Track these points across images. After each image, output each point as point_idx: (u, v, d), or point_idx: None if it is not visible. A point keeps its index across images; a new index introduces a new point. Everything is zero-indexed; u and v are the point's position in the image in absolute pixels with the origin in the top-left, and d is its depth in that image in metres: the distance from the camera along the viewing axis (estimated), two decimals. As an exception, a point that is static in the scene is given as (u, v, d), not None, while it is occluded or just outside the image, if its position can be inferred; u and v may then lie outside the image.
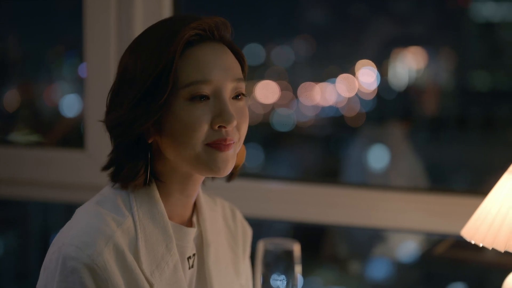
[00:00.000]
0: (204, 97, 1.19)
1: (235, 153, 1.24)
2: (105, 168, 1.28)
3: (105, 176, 1.33)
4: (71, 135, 2.87)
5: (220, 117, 1.19)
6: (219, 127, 1.20)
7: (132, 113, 1.18)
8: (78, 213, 1.24)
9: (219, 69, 1.21)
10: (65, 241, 1.16)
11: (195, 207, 1.36)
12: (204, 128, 1.19)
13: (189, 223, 1.34)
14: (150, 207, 1.24)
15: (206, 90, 1.19)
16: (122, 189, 1.24)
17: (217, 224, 1.41)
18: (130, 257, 1.18)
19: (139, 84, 1.18)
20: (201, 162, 1.21)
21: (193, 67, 1.19)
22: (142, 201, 1.24)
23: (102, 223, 1.18)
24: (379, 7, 2.99)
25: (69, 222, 1.23)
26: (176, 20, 1.23)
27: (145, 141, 1.22)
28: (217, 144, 1.20)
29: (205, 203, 1.39)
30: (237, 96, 1.23)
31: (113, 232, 1.18)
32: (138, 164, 1.22)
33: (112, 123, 1.22)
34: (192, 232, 1.31)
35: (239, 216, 1.49)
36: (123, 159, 1.23)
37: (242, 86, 1.24)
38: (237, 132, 1.23)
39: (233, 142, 1.22)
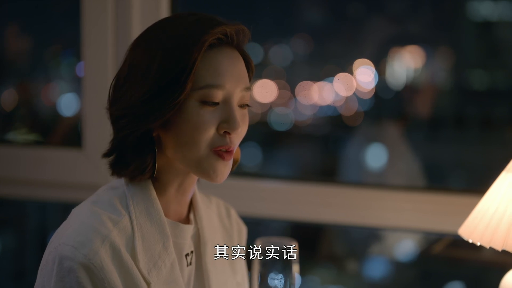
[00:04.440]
0: (216, 102, 1.21)
1: (232, 159, 1.26)
2: (106, 155, 1.27)
3: (102, 175, 1.33)
4: (69, 134, 2.86)
5: (227, 123, 1.21)
6: (224, 132, 1.22)
7: (144, 107, 1.19)
8: (74, 213, 1.24)
9: (233, 76, 1.23)
10: (61, 241, 1.16)
11: (192, 205, 1.36)
12: (211, 131, 1.21)
13: (186, 220, 1.34)
14: (147, 205, 1.24)
15: (218, 95, 1.21)
16: (129, 182, 1.25)
17: (213, 221, 1.41)
18: (126, 256, 1.18)
19: (155, 79, 1.18)
20: (202, 167, 1.23)
21: (209, 71, 1.20)
22: (138, 199, 1.24)
23: (97, 222, 1.18)
24: (376, 6, 3.00)
25: (65, 222, 1.23)
26: (199, 21, 1.23)
27: (150, 134, 1.23)
28: (220, 152, 1.22)
29: (201, 201, 1.40)
30: (242, 105, 1.26)
31: (109, 231, 1.18)
32: (146, 159, 1.22)
33: (119, 114, 1.21)
34: (189, 229, 1.31)
35: (234, 214, 1.50)
36: (130, 153, 1.23)
37: (248, 96, 1.27)
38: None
39: (234, 149, 1.24)
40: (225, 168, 1.24)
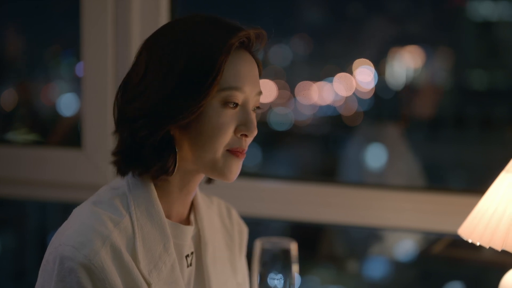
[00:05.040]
0: (236, 104, 1.23)
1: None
2: (116, 154, 1.26)
3: (102, 175, 1.31)
4: (69, 134, 2.86)
5: (245, 126, 1.24)
6: (241, 135, 1.24)
7: (167, 108, 1.19)
8: (75, 213, 1.24)
9: (251, 80, 1.25)
10: (62, 241, 1.16)
11: (193, 205, 1.36)
12: (229, 134, 1.23)
13: (187, 221, 1.34)
14: (148, 206, 1.24)
15: (239, 97, 1.23)
16: (149, 180, 1.25)
17: (214, 222, 1.41)
18: (127, 257, 1.18)
19: (180, 79, 1.19)
20: (217, 167, 1.24)
21: (232, 73, 1.22)
22: (139, 200, 1.24)
23: (98, 223, 1.18)
24: (376, 6, 2.99)
25: (65, 222, 1.23)
26: (222, 24, 1.25)
27: (169, 134, 1.23)
28: (235, 151, 1.24)
29: (202, 201, 1.40)
30: (254, 108, 1.29)
31: (110, 231, 1.18)
32: (169, 159, 1.22)
33: (137, 113, 1.21)
34: (190, 230, 1.31)
35: (235, 215, 1.50)
36: (150, 154, 1.21)
37: (259, 100, 1.29)
38: None
39: (246, 150, 1.27)
40: (238, 166, 1.26)
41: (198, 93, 1.18)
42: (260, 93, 1.28)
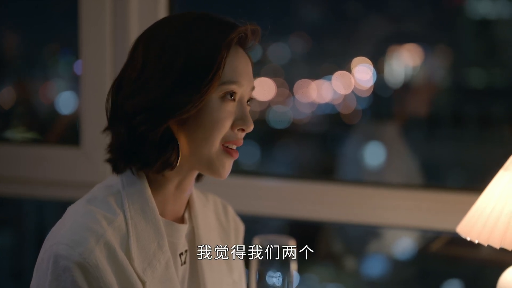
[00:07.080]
0: (234, 98, 1.24)
1: None
2: (114, 150, 1.26)
3: (100, 173, 1.30)
4: (67, 132, 2.86)
5: (242, 121, 1.25)
6: (238, 129, 1.25)
7: (168, 103, 1.19)
8: (69, 211, 1.24)
9: (247, 75, 1.27)
10: (56, 239, 1.16)
11: (188, 203, 1.36)
12: (227, 128, 1.24)
13: (181, 220, 1.34)
14: (142, 204, 1.24)
15: (238, 91, 1.25)
16: (144, 177, 1.25)
17: (209, 220, 1.41)
18: (121, 255, 1.18)
19: (181, 74, 1.19)
20: (212, 163, 1.25)
21: (231, 68, 1.23)
22: (134, 198, 1.24)
23: (92, 221, 1.18)
24: (375, 4, 2.99)
25: (60, 220, 1.23)
26: (221, 19, 1.26)
27: (169, 128, 1.22)
28: (229, 149, 1.25)
29: (198, 199, 1.40)
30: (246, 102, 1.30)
31: (104, 230, 1.17)
32: (171, 154, 1.22)
33: (137, 109, 1.20)
34: (184, 228, 1.31)
35: (231, 212, 1.50)
36: (151, 149, 1.21)
37: (251, 94, 1.31)
38: None
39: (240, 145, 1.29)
40: (231, 164, 1.28)
41: (200, 88, 1.19)
42: (253, 88, 1.30)
